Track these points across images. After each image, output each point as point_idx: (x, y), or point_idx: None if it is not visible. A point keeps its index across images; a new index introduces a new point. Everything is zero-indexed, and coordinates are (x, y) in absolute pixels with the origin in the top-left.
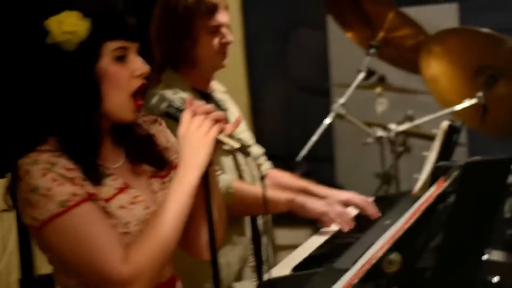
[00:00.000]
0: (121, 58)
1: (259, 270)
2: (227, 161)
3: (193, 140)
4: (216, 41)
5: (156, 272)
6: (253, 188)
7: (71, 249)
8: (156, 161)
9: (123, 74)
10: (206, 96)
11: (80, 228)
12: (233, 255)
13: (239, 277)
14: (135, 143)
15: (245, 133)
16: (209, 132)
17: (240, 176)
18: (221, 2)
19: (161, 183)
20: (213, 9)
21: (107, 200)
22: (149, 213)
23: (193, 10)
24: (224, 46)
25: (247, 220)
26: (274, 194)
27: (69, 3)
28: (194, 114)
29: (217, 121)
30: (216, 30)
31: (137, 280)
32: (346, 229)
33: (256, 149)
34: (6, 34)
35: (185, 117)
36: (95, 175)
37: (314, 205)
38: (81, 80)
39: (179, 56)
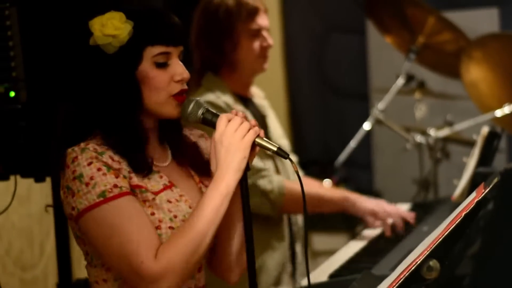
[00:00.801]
0: (162, 64)
1: (295, 276)
2: (268, 165)
3: (230, 144)
4: (256, 44)
5: (186, 272)
6: (306, 188)
7: (105, 240)
8: (200, 166)
9: (162, 78)
10: (246, 101)
11: (116, 220)
12: (272, 259)
13: (277, 283)
14: (181, 144)
15: (282, 140)
16: (246, 136)
17: None
18: (261, 6)
19: None
20: (254, 13)
21: (156, 193)
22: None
23: (234, 13)
24: (264, 49)
25: (287, 225)
26: (329, 192)
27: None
28: (230, 118)
29: (252, 125)
30: (256, 33)
31: (165, 278)
32: (389, 233)
33: (292, 157)
34: (54, 32)
35: (221, 121)
36: (143, 167)
37: (365, 204)
38: (121, 82)
39: (220, 60)
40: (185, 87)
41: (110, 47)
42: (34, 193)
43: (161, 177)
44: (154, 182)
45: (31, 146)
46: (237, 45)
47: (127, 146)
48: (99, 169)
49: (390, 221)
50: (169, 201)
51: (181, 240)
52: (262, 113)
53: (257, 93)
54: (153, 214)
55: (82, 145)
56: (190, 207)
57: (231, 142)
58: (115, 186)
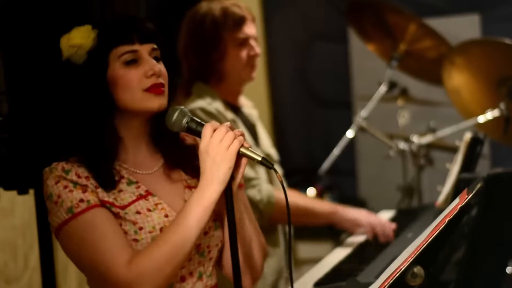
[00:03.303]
0: (131, 62)
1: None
2: (261, 172)
3: (216, 154)
4: (244, 53)
5: (160, 281)
6: (295, 198)
7: (78, 254)
8: (192, 169)
9: (133, 76)
10: (236, 109)
11: (85, 233)
12: (267, 266)
13: None
14: (175, 148)
15: (272, 149)
16: (231, 146)
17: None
18: (248, 15)
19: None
20: (240, 22)
21: (123, 207)
22: (169, 220)
23: (220, 23)
24: (252, 58)
25: (281, 231)
26: (319, 205)
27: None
28: (215, 128)
29: (237, 135)
30: (243, 42)
31: (137, 285)
32: (382, 239)
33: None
34: (35, 45)
35: (207, 131)
36: (107, 183)
37: (355, 216)
38: (93, 88)
39: (208, 69)
40: (160, 81)
41: (77, 56)
42: (18, 206)
43: (138, 187)
44: (126, 195)
45: (14, 158)
46: (224, 54)
47: (94, 159)
48: (65, 187)
49: (361, 238)
50: (138, 212)
51: (156, 249)
52: (251, 122)
53: (246, 103)
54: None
55: (54, 164)
56: (166, 216)
57: (217, 152)
58: (81, 200)
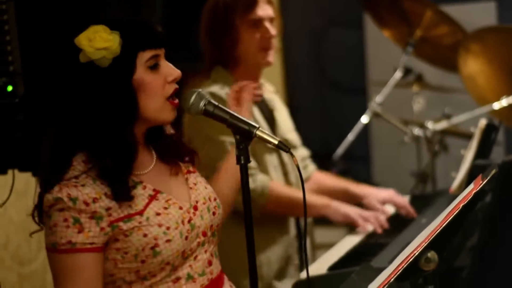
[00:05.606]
0: (154, 66)
1: (303, 269)
2: (271, 159)
3: None
4: (257, 36)
5: None
6: (290, 191)
7: (54, 278)
8: (187, 156)
9: (158, 81)
10: None
11: (60, 270)
12: (273, 253)
13: (281, 276)
14: (166, 142)
15: (291, 134)
16: None
17: (285, 175)
18: None
19: (195, 177)
20: (251, 4)
21: (141, 212)
22: (184, 211)
23: (231, 7)
24: (266, 40)
25: (292, 219)
26: (312, 198)
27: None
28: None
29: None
30: (257, 24)
31: None
32: (379, 230)
33: (302, 151)
34: (52, 26)
35: None
36: (123, 195)
37: (346, 210)
38: (119, 93)
39: (223, 55)
40: (177, 86)
41: (104, 60)
42: (32, 188)
43: (144, 187)
44: (139, 199)
45: (29, 140)
46: (237, 40)
47: (113, 170)
48: (65, 220)
49: (369, 227)
50: (158, 214)
51: None
52: (269, 107)
53: (266, 87)
54: (145, 235)
55: (57, 190)
56: (180, 208)
57: None
58: (69, 242)
